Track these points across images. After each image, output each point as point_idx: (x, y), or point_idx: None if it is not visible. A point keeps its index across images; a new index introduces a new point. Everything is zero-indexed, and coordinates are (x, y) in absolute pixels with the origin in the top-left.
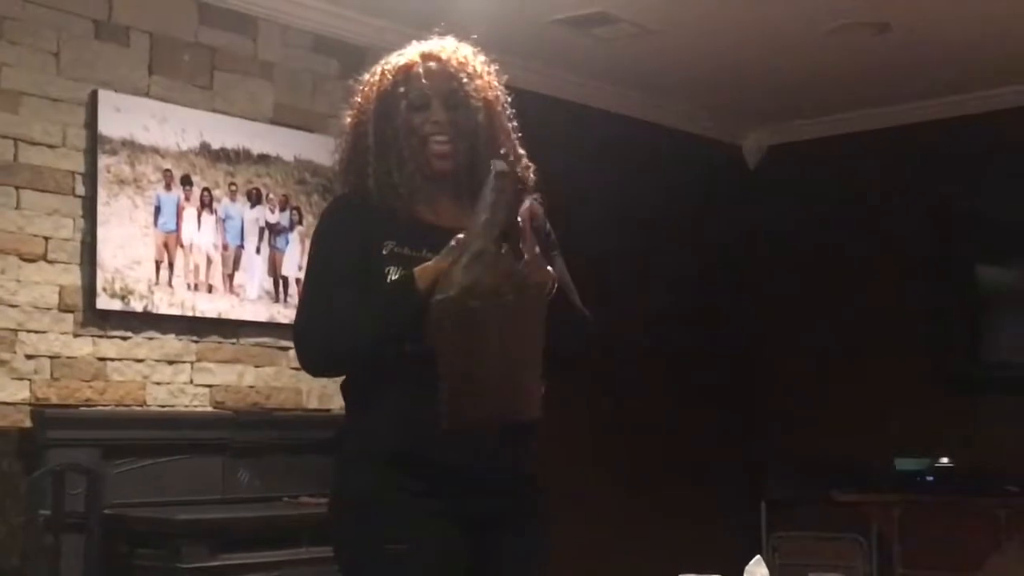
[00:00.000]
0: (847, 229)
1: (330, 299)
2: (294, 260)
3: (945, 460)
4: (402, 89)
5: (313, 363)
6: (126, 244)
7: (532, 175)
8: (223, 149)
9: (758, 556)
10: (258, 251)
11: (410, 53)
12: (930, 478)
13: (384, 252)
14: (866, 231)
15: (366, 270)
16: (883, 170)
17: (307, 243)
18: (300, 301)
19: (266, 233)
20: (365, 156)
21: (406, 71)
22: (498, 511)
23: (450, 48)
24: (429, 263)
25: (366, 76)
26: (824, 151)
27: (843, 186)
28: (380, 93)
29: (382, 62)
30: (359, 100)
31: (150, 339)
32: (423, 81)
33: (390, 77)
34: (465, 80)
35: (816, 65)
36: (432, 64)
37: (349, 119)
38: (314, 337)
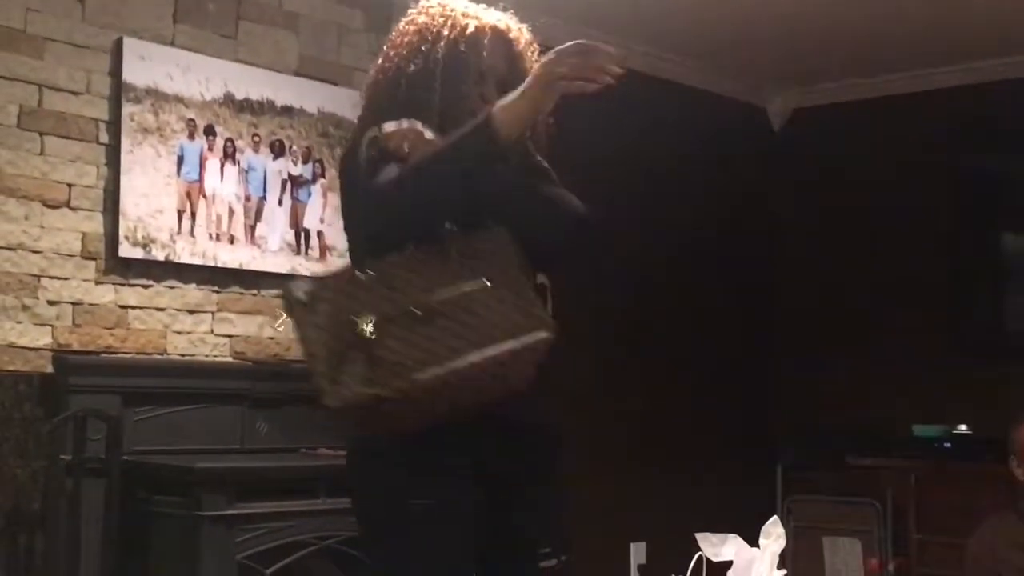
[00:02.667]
0: (871, 194)
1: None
2: (316, 212)
3: (963, 427)
4: (472, 58)
5: (392, 226)
6: (149, 193)
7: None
8: (247, 100)
9: (775, 517)
10: (280, 203)
11: (482, 19)
12: (948, 444)
13: None
14: (890, 196)
15: None
16: (909, 135)
17: (330, 196)
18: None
19: (288, 185)
20: (428, 113)
21: (475, 37)
22: (521, 465)
23: (524, 38)
24: (507, 102)
25: (421, 18)
26: (850, 115)
27: (868, 150)
28: (448, 51)
29: (446, 8)
30: (423, 48)
31: (171, 288)
32: (484, 55)
33: (461, 39)
34: (524, 69)
35: (844, 27)
36: (500, 40)
37: (411, 65)
38: (393, 198)
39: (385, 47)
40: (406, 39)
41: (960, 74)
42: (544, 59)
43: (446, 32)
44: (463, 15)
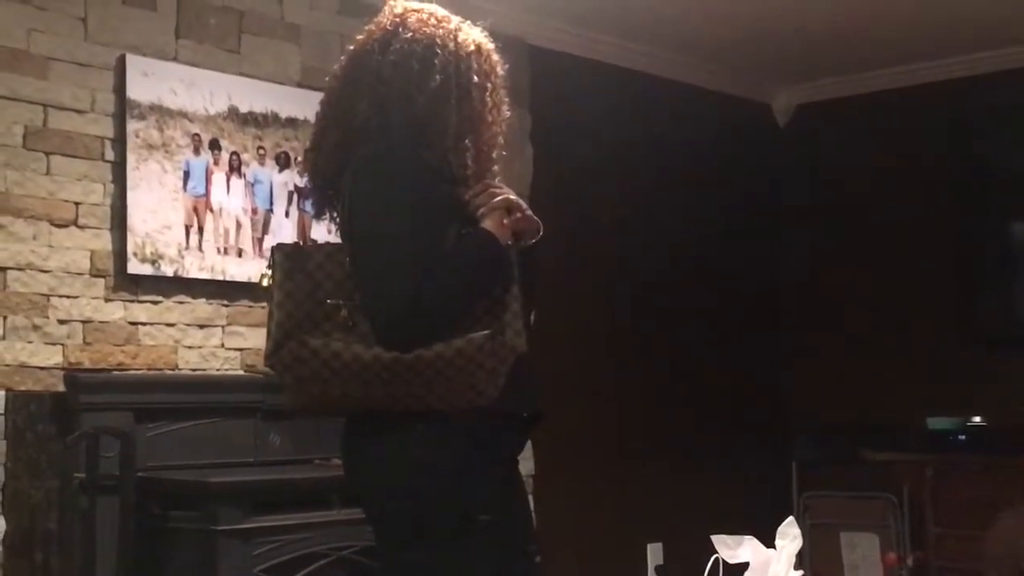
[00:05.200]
0: (878, 187)
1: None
2: (322, 224)
3: (978, 419)
4: (478, 77)
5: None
6: (156, 209)
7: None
8: (251, 113)
9: (791, 518)
10: (287, 215)
11: (472, 35)
12: (962, 437)
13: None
14: (897, 189)
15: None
16: (915, 127)
17: None
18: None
19: (295, 197)
20: (445, 131)
21: (477, 55)
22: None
23: (496, 57)
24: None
25: (418, 23)
26: (855, 109)
27: (874, 144)
28: (460, 68)
29: (441, 20)
30: (435, 61)
31: (181, 303)
32: (483, 74)
33: (469, 56)
34: (499, 88)
35: (848, 20)
36: (488, 60)
37: (431, 81)
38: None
39: (383, 39)
40: (416, 48)
41: (964, 65)
42: (490, 215)
43: (452, 47)
44: (458, 29)
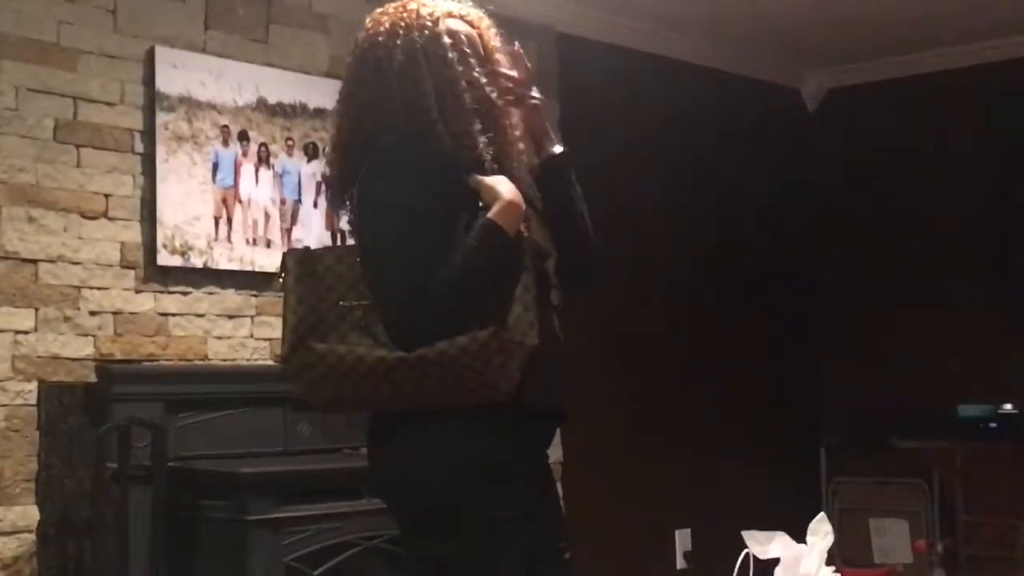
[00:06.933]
0: (910, 172)
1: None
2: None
3: (1009, 407)
4: (447, 43)
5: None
6: (185, 200)
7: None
8: (279, 103)
9: (822, 514)
10: (315, 205)
11: (437, 8)
12: (993, 425)
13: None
14: (929, 174)
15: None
16: (947, 112)
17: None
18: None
19: (323, 187)
20: (426, 102)
21: (441, 26)
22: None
23: (475, 15)
24: (494, 213)
25: (386, 18)
26: (886, 93)
27: (906, 128)
28: (424, 40)
29: (406, 5)
30: (398, 42)
31: (210, 294)
32: (455, 40)
33: (431, 28)
34: (490, 48)
35: (879, 3)
36: (461, 24)
37: (394, 62)
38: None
39: (357, 48)
40: (380, 39)
41: (997, 49)
42: (502, 200)
43: (413, 19)
44: (421, 4)
